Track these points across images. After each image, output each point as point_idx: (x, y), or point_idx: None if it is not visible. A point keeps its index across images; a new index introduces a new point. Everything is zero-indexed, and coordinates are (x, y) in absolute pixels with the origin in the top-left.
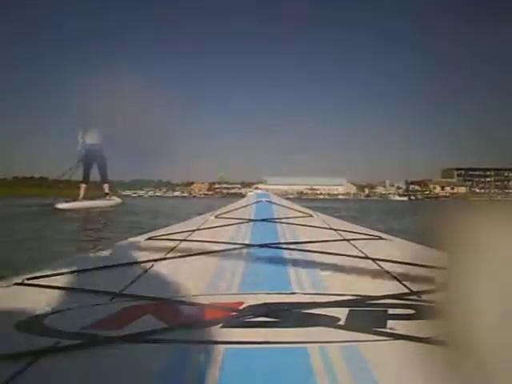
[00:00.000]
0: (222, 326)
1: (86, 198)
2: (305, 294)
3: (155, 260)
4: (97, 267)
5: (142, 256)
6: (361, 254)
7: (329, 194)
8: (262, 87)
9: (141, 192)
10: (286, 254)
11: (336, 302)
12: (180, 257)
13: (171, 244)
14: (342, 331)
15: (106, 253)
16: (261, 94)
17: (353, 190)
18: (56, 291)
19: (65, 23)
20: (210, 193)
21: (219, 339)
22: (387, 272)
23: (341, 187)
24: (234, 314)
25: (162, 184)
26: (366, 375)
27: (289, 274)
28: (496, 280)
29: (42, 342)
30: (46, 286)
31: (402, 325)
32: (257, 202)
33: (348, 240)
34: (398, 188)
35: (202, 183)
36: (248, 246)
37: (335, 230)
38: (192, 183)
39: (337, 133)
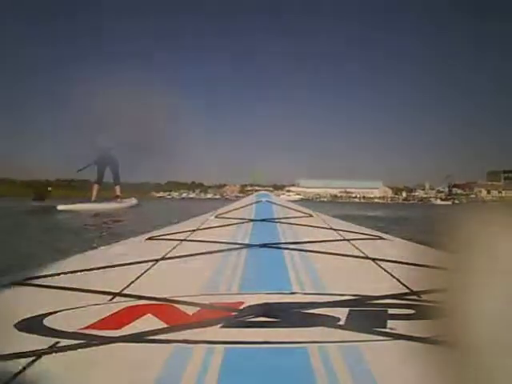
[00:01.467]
0: (222, 326)
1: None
2: (305, 293)
3: (155, 260)
4: (97, 267)
5: (142, 256)
6: (361, 254)
7: (364, 198)
8: (296, 90)
9: (175, 194)
10: (286, 253)
11: (336, 302)
12: (180, 257)
13: (171, 244)
14: (342, 331)
15: (106, 252)
16: (294, 96)
17: (389, 193)
18: (56, 291)
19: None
20: (242, 195)
21: (219, 339)
22: (387, 272)
23: (376, 190)
24: (234, 314)
25: (195, 186)
26: (365, 375)
27: (289, 273)
28: (497, 281)
29: (42, 342)
30: (46, 286)
31: (402, 325)
32: (257, 201)
33: (348, 240)
34: (439, 192)
35: (234, 185)
36: (248, 246)
37: (335, 229)
38: (224, 185)
39: (372, 135)
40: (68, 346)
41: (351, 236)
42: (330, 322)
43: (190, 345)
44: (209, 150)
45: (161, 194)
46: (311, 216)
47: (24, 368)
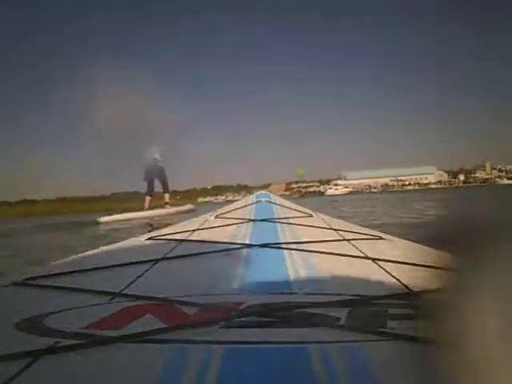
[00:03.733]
0: (222, 326)
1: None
2: (305, 294)
3: (155, 260)
4: (97, 267)
5: (142, 256)
6: (361, 254)
7: (418, 184)
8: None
9: (221, 198)
10: (286, 253)
11: (336, 301)
12: (180, 257)
13: (171, 244)
14: (342, 331)
15: (106, 252)
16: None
17: (444, 177)
18: (56, 291)
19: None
20: (288, 193)
21: (219, 339)
22: (387, 272)
23: (431, 176)
24: (234, 314)
25: (240, 188)
26: (365, 375)
27: (289, 273)
28: (500, 282)
29: (42, 342)
30: (46, 286)
31: (402, 325)
32: (257, 201)
33: (348, 240)
34: (500, 171)
35: (279, 184)
36: (248, 246)
37: (335, 229)
38: (269, 184)
39: (420, 115)
40: (68, 345)
41: (351, 236)
42: (330, 322)
43: (190, 345)
44: (251, 152)
45: (208, 198)
46: (311, 216)
47: (24, 368)
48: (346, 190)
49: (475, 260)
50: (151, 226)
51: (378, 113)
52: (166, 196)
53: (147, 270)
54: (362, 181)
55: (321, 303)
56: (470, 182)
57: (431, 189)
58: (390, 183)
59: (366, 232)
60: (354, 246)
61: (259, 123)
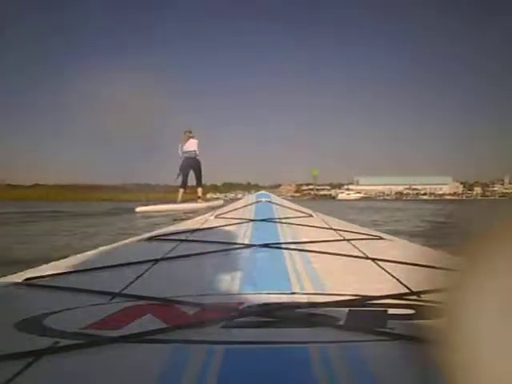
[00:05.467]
0: (222, 326)
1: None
2: (305, 293)
3: (155, 260)
4: (97, 267)
5: (142, 256)
6: (361, 254)
7: (433, 195)
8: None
9: (231, 195)
10: (286, 253)
11: (336, 301)
12: (180, 257)
13: (171, 244)
14: (341, 331)
15: (106, 252)
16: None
17: (459, 189)
18: (56, 291)
19: None
20: (298, 194)
21: (219, 339)
22: (387, 272)
23: (446, 186)
24: (234, 314)
25: (250, 186)
26: (365, 375)
27: (289, 274)
28: (498, 282)
29: (42, 341)
30: (46, 286)
31: (402, 325)
32: (257, 201)
33: (348, 240)
34: None
35: (290, 185)
36: (248, 246)
37: (335, 229)
38: (279, 185)
39: (436, 126)
40: (68, 345)
41: (351, 236)
42: (330, 322)
43: (190, 345)
44: (263, 151)
45: (217, 195)
46: (311, 216)
47: (24, 368)
48: (358, 195)
49: (475, 260)
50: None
51: (393, 118)
52: (199, 190)
53: (147, 270)
54: (374, 187)
55: (321, 303)
56: (487, 196)
57: (448, 200)
58: (405, 191)
59: (366, 232)
60: (353, 246)
61: (272, 124)
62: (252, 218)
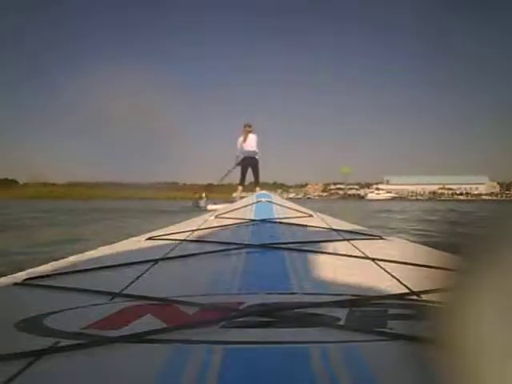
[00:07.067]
0: (222, 326)
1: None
2: (305, 294)
3: (155, 260)
4: (97, 267)
5: (142, 256)
6: (361, 254)
7: (470, 195)
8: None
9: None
10: (285, 253)
11: (336, 302)
12: (180, 257)
13: (171, 244)
14: (341, 331)
15: (106, 252)
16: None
17: (496, 188)
18: (56, 291)
19: None
20: (325, 194)
21: (219, 339)
22: (387, 272)
23: (482, 186)
24: (234, 314)
25: (277, 186)
26: (365, 375)
27: (289, 273)
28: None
29: (43, 341)
30: (46, 286)
31: (402, 325)
32: (257, 201)
33: (348, 240)
34: None
35: (316, 184)
36: (248, 246)
37: (335, 230)
38: (306, 184)
39: (471, 124)
40: (68, 345)
41: (351, 236)
42: (330, 322)
43: (190, 345)
44: (289, 149)
45: (243, 194)
46: (311, 216)
47: (24, 368)
48: (389, 195)
49: (475, 260)
50: None
51: (427, 115)
52: (258, 189)
53: (147, 270)
54: (405, 186)
55: (321, 303)
56: None
57: (486, 200)
58: (439, 191)
59: (366, 232)
60: (354, 246)
61: (298, 122)
62: (252, 218)
